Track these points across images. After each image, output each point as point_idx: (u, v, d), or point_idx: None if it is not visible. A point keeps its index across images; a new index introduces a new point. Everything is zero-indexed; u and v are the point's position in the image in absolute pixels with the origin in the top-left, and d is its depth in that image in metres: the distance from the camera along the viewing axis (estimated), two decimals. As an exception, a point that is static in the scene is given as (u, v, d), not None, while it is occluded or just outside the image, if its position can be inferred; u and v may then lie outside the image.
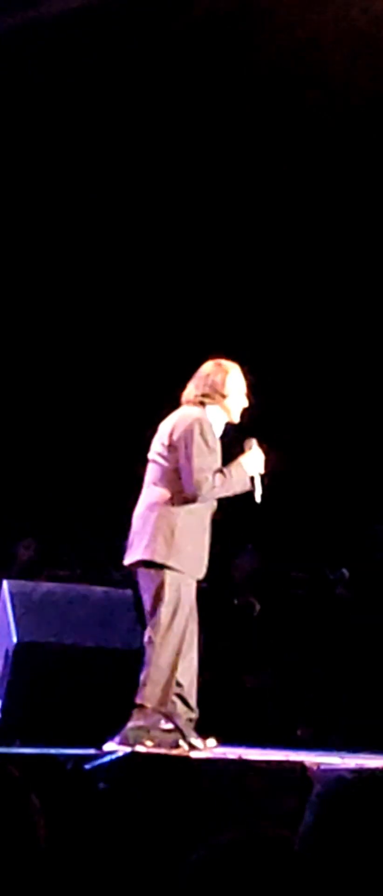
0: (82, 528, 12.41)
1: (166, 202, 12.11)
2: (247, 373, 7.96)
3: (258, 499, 7.81)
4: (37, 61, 11.40)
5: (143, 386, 8.44)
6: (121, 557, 8.07)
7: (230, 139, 11.86)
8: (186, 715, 7.83)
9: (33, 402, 12.75)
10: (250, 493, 7.93)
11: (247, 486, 7.82)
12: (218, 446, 7.84)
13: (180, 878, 2.27)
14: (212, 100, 11.55)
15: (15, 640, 7.07)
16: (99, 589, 8.02)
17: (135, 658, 7.47)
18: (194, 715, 7.86)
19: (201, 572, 7.83)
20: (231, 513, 8.20)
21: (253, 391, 8.00)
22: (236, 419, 7.90)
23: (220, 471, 7.76)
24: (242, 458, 7.84)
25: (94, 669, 7.26)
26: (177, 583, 7.72)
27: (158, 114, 11.68)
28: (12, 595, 7.20)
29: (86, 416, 12.58)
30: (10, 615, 7.12)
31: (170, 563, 7.72)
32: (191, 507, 7.77)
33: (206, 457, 7.73)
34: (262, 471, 7.82)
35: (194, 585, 7.81)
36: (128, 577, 8.05)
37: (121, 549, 8.05)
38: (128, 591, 7.81)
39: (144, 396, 8.26)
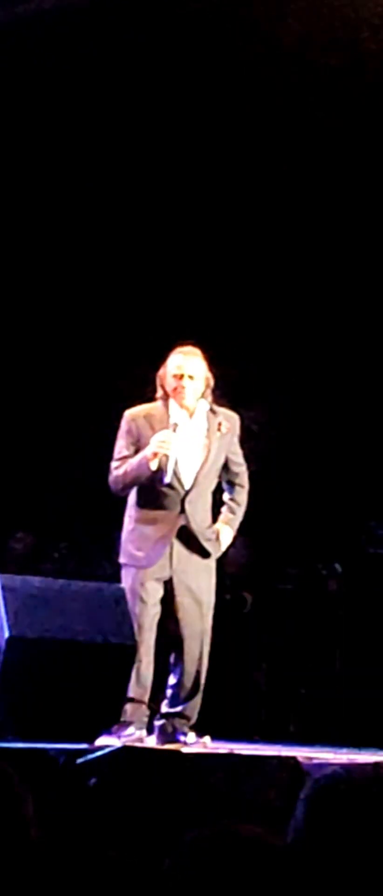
0: (75, 523, 12.41)
1: (154, 186, 12.11)
2: (207, 355, 7.97)
3: (166, 479, 7.78)
4: (34, 53, 11.40)
5: (139, 380, 8.43)
6: (114, 552, 8.17)
7: (221, 131, 11.87)
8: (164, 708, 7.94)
9: (26, 394, 12.74)
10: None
11: (147, 468, 7.78)
12: (149, 433, 7.85)
13: (158, 878, 2.28)
14: (205, 85, 11.57)
15: (7, 634, 7.07)
16: (92, 584, 8.03)
17: (128, 653, 7.48)
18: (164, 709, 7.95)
19: (150, 561, 7.84)
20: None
21: (215, 370, 8.00)
22: (185, 402, 7.88)
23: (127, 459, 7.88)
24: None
25: (86, 664, 7.26)
26: (126, 575, 7.87)
27: (145, 93, 11.68)
28: (4, 589, 7.19)
29: (80, 408, 12.57)
30: (1, 609, 7.12)
31: (120, 560, 7.96)
32: (145, 500, 7.86)
33: (119, 450, 7.91)
34: (171, 452, 7.76)
35: (144, 574, 7.82)
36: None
37: (115, 544, 8.12)
38: (121, 586, 7.83)
39: (140, 389, 8.26)
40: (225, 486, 8.15)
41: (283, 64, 11.25)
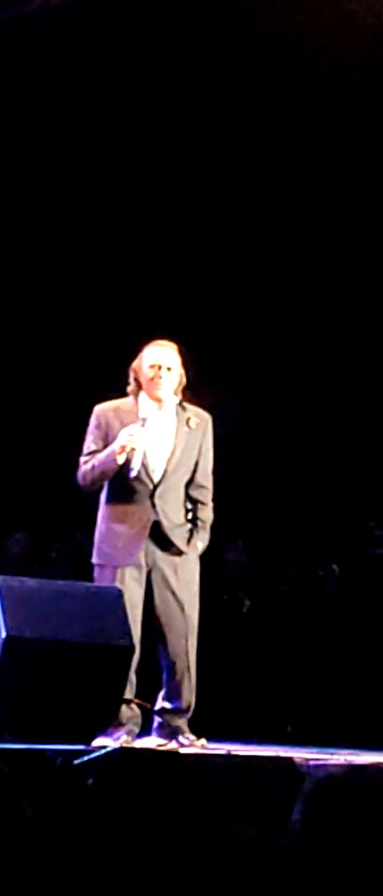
0: (72, 523, 12.41)
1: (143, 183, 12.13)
2: (182, 349, 7.99)
3: (132, 474, 7.78)
4: (32, 53, 11.41)
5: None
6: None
7: (219, 130, 11.87)
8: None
9: (23, 395, 12.75)
10: (240, 486, 7.99)
11: (114, 462, 7.78)
12: (118, 427, 7.87)
13: (156, 879, 2.28)
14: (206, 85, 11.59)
15: (4, 634, 7.07)
16: (89, 584, 8.04)
17: (125, 654, 7.48)
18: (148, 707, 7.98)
19: (124, 560, 7.84)
20: (220, 508, 8.20)
21: (191, 368, 8.01)
22: (159, 395, 7.90)
23: (96, 454, 7.91)
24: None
25: (83, 665, 7.26)
26: (102, 575, 7.90)
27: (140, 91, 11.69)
28: (1, 590, 7.20)
29: (78, 408, 12.58)
30: (-1, 610, 7.13)
31: (95, 560, 8.00)
32: (116, 497, 7.88)
33: (87, 445, 7.96)
34: (138, 446, 7.77)
35: (121, 573, 7.82)
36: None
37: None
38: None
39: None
40: (188, 504, 8.05)
41: (281, 60, 11.25)
